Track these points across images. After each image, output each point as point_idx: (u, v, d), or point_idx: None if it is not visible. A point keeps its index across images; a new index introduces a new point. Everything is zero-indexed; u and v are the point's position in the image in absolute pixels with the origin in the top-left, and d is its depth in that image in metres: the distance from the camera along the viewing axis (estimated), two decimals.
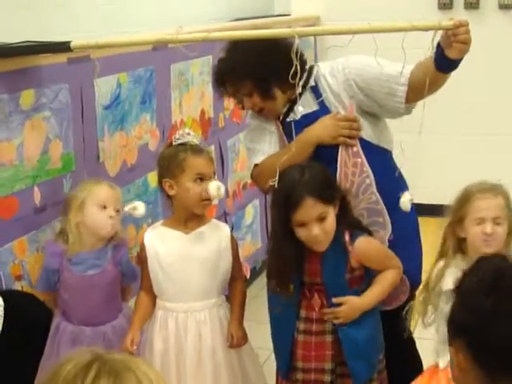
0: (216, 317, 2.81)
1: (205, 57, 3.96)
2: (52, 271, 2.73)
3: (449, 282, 2.43)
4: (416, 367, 2.90)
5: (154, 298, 2.84)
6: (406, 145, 2.76)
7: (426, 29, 2.36)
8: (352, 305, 2.63)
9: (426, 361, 2.74)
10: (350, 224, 2.66)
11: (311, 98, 2.83)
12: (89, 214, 2.74)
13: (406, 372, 2.74)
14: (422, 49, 2.49)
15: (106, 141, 3.17)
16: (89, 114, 3.06)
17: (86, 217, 2.74)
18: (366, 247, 2.65)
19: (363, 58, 2.78)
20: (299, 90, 2.68)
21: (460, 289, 1.66)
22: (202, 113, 4.02)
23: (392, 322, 2.71)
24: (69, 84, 2.92)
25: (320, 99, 2.81)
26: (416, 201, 2.79)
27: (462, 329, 1.60)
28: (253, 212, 4.73)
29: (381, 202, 2.78)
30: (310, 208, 2.53)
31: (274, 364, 2.83)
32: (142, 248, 2.84)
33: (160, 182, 2.81)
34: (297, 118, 2.83)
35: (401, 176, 2.87)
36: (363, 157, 2.77)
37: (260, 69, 2.74)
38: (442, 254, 2.63)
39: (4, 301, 2.38)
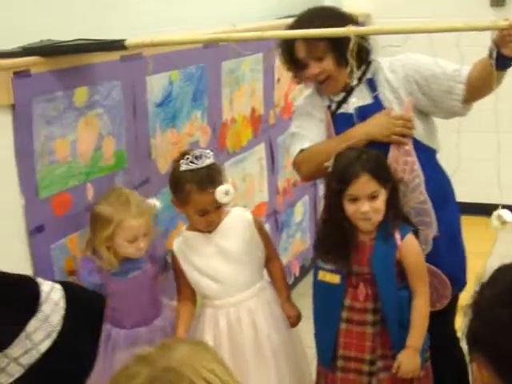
0: (265, 301, 2.87)
1: (255, 54, 3.97)
2: (96, 286, 2.71)
3: None
4: (459, 364, 2.91)
5: (193, 305, 2.88)
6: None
7: (482, 29, 2.37)
8: (408, 360, 2.66)
9: None
10: (399, 215, 2.70)
11: (367, 91, 2.83)
12: (119, 245, 2.71)
13: (449, 369, 2.74)
14: (477, 46, 2.47)
15: (157, 138, 3.19)
16: (141, 112, 3.08)
17: (116, 246, 2.71)
18: (414, 248, 2.69)
19: (422, 56, 2.80)
20: (355, 81, 2.78)
21: (477, 302, 1.61)
22: (253, 110, 4.03)
23: (435, 322, 2.73)
24: (121, 81, 2.95)
25: (375, 93, 2.81)
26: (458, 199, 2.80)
27: (482, 344, 1.56)
28: (302, 210, 4.73)
29: (428, 201, 2.78)
30: (364, 184, 2.59)
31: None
32: (174, 259, 2.87)
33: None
34: (350, 111, 2.83)
35: (447, 176, 2.89)
36: (415, 156, 2.76)
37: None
38: None
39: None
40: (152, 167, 3.16)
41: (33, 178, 2.58)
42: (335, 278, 2.69)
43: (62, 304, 2.38)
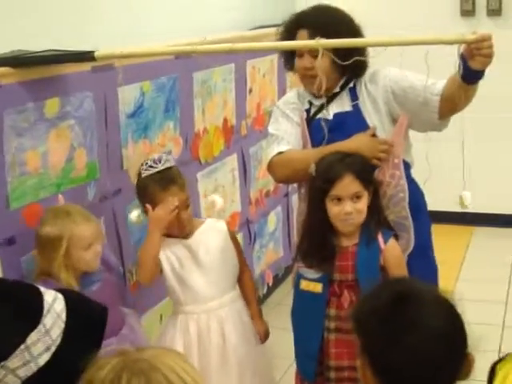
0: (235, 312, 2.89)
1: (227, 65, 3.97)
2: None
3: None
4: None
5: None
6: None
7: (450, 42, 2.38)
8: None
9: None
10: (381, 220, 2.73)
11: (347, 99, 2.85)
12: (77, 259, 2.63)
13: None
14: (452, 56, 2.48)
15: (129, 149, 3.18)
16: (113, 123, 3.08)
17: (75, 261, 2.63)
18: (397, 252, 2.72)
19: (401, 70, 2.83)
20: (338, 88, 2.83)
21: (357, 315, 1.68)
22: (225, 121, 4.04)
23: None
24: (93, 92, 2.94)
25: (355, 102, 2.84)
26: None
27: (366, 352, 1.63)
28: (275, 220, 4.73)
29: (410, 218, 2.79)
30: (348, 184, 2.61)
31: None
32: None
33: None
34: (329, 117, 2.85)
35: (420, 189, 2.93)
36: (402, 170, 2.78)
37: (344, 27, 2.77)
38: None
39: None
40: (124, 178, 3.15)
41: (4, 190, 2.56)
42: (317, 287, 2.70)
43: (64, 316, 2.35)
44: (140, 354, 1.44)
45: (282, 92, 4.44)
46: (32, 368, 2.22)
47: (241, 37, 4.04)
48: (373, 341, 1.60)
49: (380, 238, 2.68)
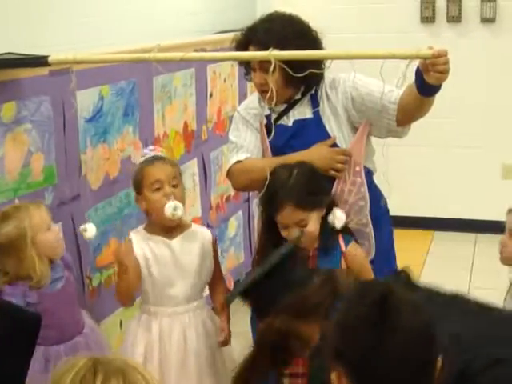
0: (199, 319, 2.88)
1: (188, 69, 3.96)
2: (32, 306, 2.58)
3: None
4: None
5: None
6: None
7: (403, 57, 2.33)
8: None
9: None
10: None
11: (308, 106, 2.85)
12: (44, 244, 2.61)
13: None
14: (402, 69, 2.48)
15: (88, 153, 3.15)
16: (71, 127, 3.04)
17: (41, 247, 2.60)
18: (359, 252, 2.71)
19: (365, 77, 2.83)
20: (299, 95, 2.82)
21: (340, 320, 1.60)
22: (185, 125, 4.02)
23: None
24: (50, 96, 2.91)
25: (316, 109, 2.83)
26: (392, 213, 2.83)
27: (345, 360, 1.55)
28: (236, 225, 4.72)
29: (370, 225, 2.80)
30: (289, 214, 2.58)
31: None
32: (128, 246, 2.85)
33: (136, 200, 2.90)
34: (289, 124, 2.85)
35: (383, 196, 2.93)
36: (364, 178, 2.78)
37: (297, 41, 2.71)
38: None
39: None
40: (83, 183, 3.12)
41: None
42: None
43: None
44: (110, 356, 1.42)
45: (242, 96, 4.43)
46: None
47: (202, 41, 4.04)
48: (353, 348, 1.53)
49: (341, 242, 2.68)
